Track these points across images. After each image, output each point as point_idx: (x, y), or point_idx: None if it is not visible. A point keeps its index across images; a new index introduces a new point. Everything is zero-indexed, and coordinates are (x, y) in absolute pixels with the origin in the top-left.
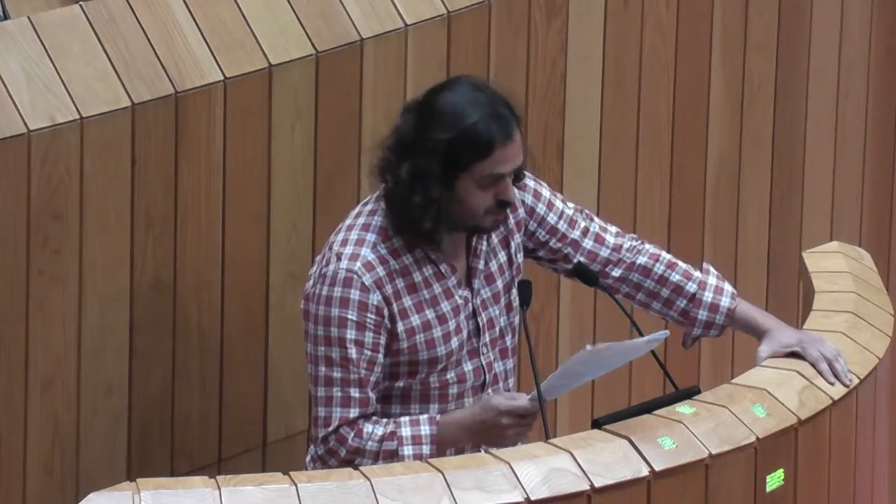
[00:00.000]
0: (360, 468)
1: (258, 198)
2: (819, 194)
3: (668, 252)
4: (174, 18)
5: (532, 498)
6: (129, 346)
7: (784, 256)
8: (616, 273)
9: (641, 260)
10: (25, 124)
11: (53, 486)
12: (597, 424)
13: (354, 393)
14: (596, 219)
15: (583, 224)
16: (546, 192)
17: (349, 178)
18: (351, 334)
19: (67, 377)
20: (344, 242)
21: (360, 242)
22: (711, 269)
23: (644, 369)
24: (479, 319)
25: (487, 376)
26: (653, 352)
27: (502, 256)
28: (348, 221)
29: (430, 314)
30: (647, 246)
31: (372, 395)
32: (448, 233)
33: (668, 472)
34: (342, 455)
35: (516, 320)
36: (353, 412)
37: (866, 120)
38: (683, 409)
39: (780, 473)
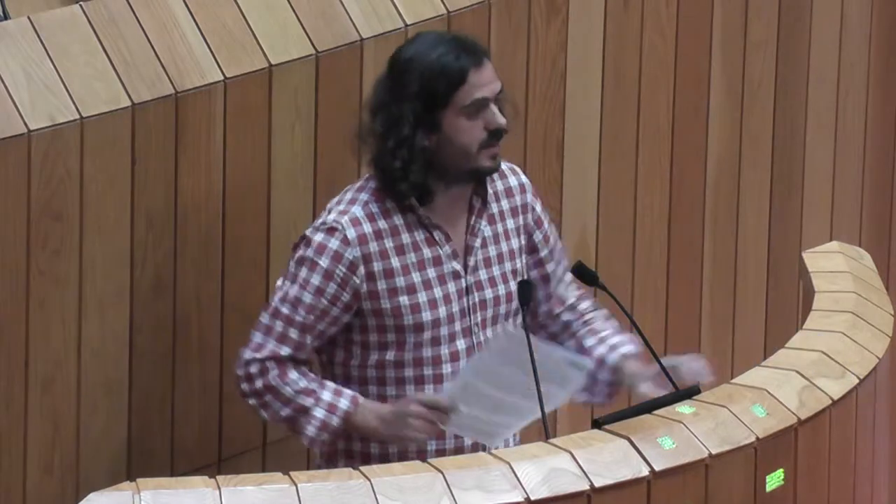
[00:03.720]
0: (361, 468)
1: (258, 198)
2: (819, 194)
3: (668, 252)
4: (174, 18)
5: (532, 498)
6: (129, 346)
7: (784, 256)
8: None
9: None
10: (25, 124)
11: (53, 486)
12: (597, 424)
13: (293, 334)
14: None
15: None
16: (546, 223)
17: (349, 178)
18: (315, 279)
19: (67, 377)
20: (339, 202)
21: (352, 202)
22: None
23: None
24: (471, 297)
25: None
26: (653, 352)
27: (514, 243)
28: (353, 185)
29: (415, 277)
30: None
31: (310, 343)
32: (446, 193)
33: (668, 472)
34: (257, 386)
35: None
36: (285, 350)
37: (866, 120)
38: (683, 409)
39: (779, 473)
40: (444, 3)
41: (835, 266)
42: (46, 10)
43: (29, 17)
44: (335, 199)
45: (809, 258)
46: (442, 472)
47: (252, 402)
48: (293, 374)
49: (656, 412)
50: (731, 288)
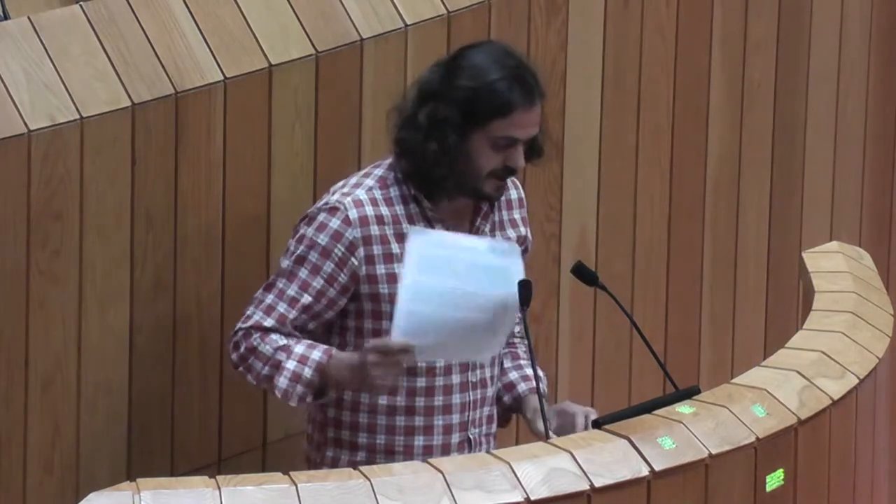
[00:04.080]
0: (361, 468)
1: (258, 198)
2: (819, 194)
3: (668, 252)
4: (174, 18)
5: (532, 498)
6: (129, 346)
7: (784, 256)
8: None
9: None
10: (25, 124)
11: (53, 486)
12: (597, 424)
13: (280, 307)
14: None
15: None
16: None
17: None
18: (313, 257)
19: (67, 377)
20: (343, 185)
21: (356, 185)
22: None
23: (644, 369)
24: None
25: None
26: (653, 352)
27: (516, 231)
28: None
29: None
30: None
31: (294, 317)
32: (449, 198)
33: (668, 472)
34: (241, 350)
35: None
36: (268, 322)
37: (866, 120)
38: (683, 409)
39: (779, 473)
40: (444, 3)
41: (835, 266)
42: (46, 10)
43: (29, 17)
44: (340, 183)
45: (809, 258)
46: (442, 472)
47: (240, 369)
48: (273, 336)
49: (656, 412)
50: (731, 288)
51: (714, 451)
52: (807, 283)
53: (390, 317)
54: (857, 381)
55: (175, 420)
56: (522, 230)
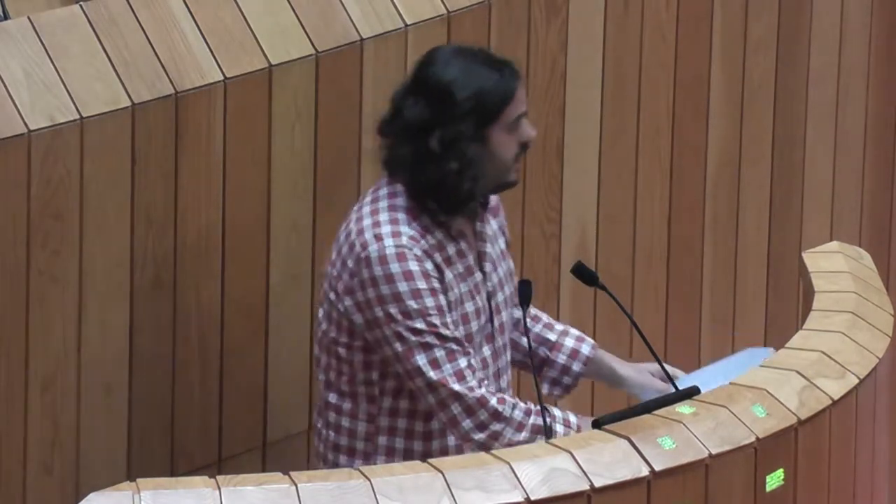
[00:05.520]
0: (361, 468)
1: (258, 198)
2: (819, 194)
3: (668, 252)
4: (174, 18)
5: (532, 498)
6: (129, 346)
7: (784, 256)
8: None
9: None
10: (25, 124)
11: (53, 486)
12: (597, 424)
13: (454, 347)
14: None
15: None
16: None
17: (349, 178)
18: (430, 302)
19: (67, 377)
20: (376, 224)
21: (394, 222)
22: (571, 329)
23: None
24: (492, 303)
25: (501, 362)
26: (653, 352)
27: (501, 242)
28: (368, 208)
29: (463, 288)
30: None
31: (469, 347)
32: (463, 211)
33: (668, 472)
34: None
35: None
36: (463, 361)
37: (866, 120)
38: (683, 409)
39: (779, 473)
40: (444, 3)
41: (835, 266)
42: (46, 10)
43: (29, 17)
44: (367, 222)
45: (809, 258)
46: (442, 472)
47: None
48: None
49: (656, 412)
50: (731, 288)
51: (714, 451)
52: (807, 283)
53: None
54: (857, 381)
55: (175, 420)
56: (502, 243)
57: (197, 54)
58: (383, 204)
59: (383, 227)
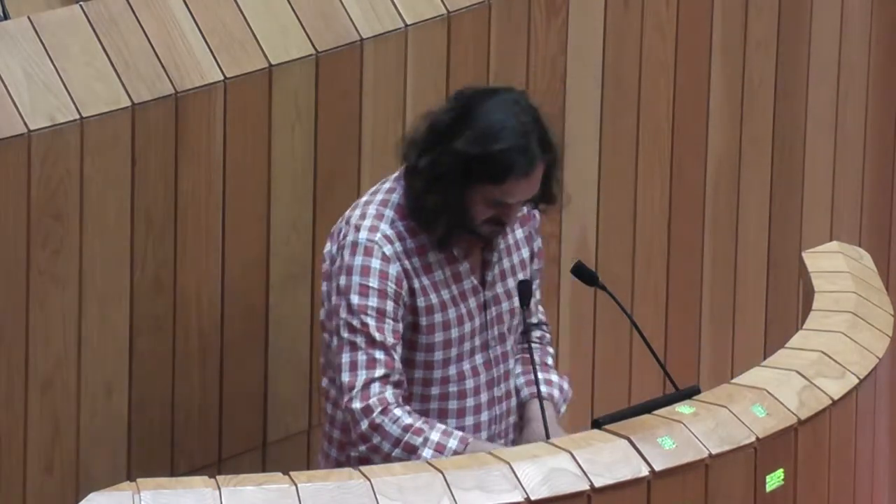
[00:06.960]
0: (361, 468)
1: (258, 198)
2: (819, 194)
3: (668, 252)
4: (174, 18)
5: (532, 498)
6: (129, 346)
7: (784, 256)
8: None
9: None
10: (25, 124)
11: (53, 486)
12: (597, 424)
13: (379, 355)
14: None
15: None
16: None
17: (349, 178)
18: (373, 302)
19: (67, 377)
20: (362, 216)
21: (378, 217)
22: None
23: (644, 369)
24: (489, 313)
25: (496, 371)
26: (653, 352)
27: (524, 252)
28: (365, 198)
29: (445, 294)
30: (547, 347)
31: (397, 358)
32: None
33: (668, 472)
34: (362, 429)
35: (515, 321)
36: (379, 371)
37: (866, 120)
38: (683, 409)
39: (779, 473)
40: (444, 3)
41: (835, 266)
42: (46, 10)
43: (29, 17)
44: (357, 212)
45: (809, 258)
46: (442, 472)
47: (362, 448)
48: (396, 411)
49: (656, 412)
50: (731, 288)
51: (714, 451)
52: (807, 283)
53: (425, 348)
54: (857, 381)
55: (175, 420)
56: (525, 253)
57: (197, 54)
58: (379, 197)
59: (366, 220)
